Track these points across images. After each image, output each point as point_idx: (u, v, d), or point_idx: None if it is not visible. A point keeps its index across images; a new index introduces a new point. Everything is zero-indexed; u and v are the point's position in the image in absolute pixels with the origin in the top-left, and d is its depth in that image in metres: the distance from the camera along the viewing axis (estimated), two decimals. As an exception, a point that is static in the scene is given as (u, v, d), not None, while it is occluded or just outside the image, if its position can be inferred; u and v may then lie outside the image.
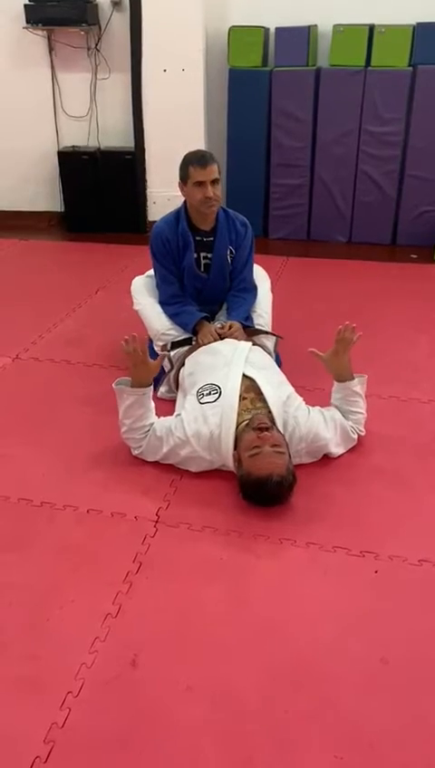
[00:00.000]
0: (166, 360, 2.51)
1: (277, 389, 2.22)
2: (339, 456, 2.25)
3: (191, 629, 1.64)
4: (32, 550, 1.89)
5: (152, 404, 2.20)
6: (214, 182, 2.46)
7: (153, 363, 2.16)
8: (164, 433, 2.16)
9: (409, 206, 4.48)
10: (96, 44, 4.53)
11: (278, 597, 1.74)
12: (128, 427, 2.19)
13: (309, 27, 4.21)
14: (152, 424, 2.19)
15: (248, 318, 2.68)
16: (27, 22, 4.41)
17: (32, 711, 1.43)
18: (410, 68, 4.15)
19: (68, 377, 2.86)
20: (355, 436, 2.28)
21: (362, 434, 2.31)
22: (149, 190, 4.82)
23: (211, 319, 2.70)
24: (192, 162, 2.44)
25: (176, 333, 2.63)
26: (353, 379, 2.23)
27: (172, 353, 2.57)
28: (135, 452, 2.23)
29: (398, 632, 1.63)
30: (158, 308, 2.70)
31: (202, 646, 1.59)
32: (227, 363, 2.27)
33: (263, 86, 4.36)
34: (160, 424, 2.19)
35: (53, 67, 4.66)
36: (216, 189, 2.47)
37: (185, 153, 2.52)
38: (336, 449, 2.23)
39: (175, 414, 2.24)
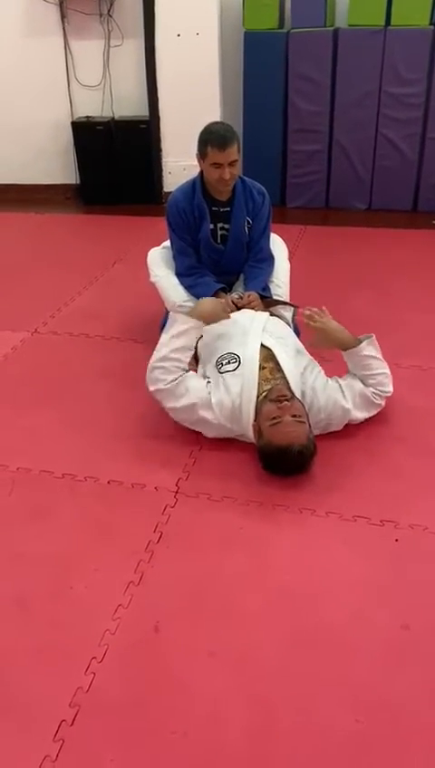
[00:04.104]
0: None
1: (295, 359, 2.20)
2: (359, 425, 2.22)
3: (212, 597, 1.66)
4: (54, 520, 1.92)
5: (192, 351, 2.21)
6: (232, 163, 2.40)
7: (225, 312, 2.28)
8: (192, 386, 2.11)
9: (430, 170, 4.37)
10: (108, 10, 4.44)
11: (298, 565, 1.75)
12: (163, 355, 2.13)
13: (326, -14, 4.08)
14: (186, 371, 2.16)
15: (266, 288, 2.65)
16: (38, -11, 4.34)
17: (57, 676, 1.47)
18: (432, 26, 4.01)
19: (87, 350, 2.87)
20: (379, 401, 2.22)
21: (389, 394, 2.23)
22: (164, 160, 4.76)
23: (228, 290, 2.67)
24: (211, 142, 2.37)
25: (193, 305, 2.61)
26: (358, 344, 2.16)
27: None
28: (153, 387, 2.14)
29: (419, 599, 1.64)
30: (174, 279, 2.68)
31: (223, 613, 1.61)
32: (244, 332, 2.26)
33: (279, 49, 4.25)
34: (194, 378, 2.16)
35: (65, 35, 4.58)
36: (233, 170, 2.42)
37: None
38: (360, 414, 2.19)
39: None
